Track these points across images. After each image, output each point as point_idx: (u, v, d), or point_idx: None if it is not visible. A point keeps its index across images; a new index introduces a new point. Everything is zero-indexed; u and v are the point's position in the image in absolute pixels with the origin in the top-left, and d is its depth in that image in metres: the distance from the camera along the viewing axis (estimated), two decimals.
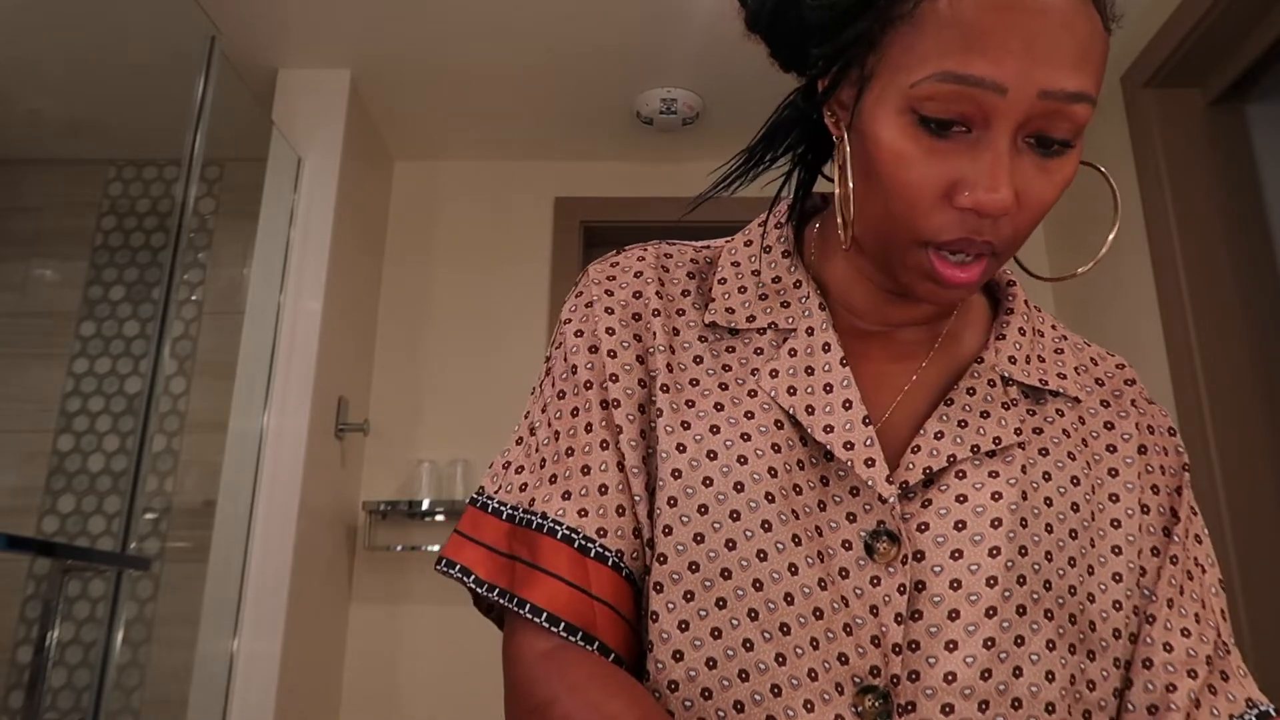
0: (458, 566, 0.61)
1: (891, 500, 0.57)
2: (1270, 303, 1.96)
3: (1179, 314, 1.99)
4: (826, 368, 0.62)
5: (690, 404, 0.62)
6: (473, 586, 0.60)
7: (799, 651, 0.55)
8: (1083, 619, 0.58)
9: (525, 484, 0.63)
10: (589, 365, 0.64)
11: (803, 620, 0.55)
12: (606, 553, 0.58)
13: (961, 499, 0.58)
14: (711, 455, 0.59)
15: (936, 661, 0.54)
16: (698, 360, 0.64)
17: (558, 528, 0.59)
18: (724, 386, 0.63)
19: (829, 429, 0.59)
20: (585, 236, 2.79)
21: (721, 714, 0.55)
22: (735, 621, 0.56)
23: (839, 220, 0.61)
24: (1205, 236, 2.00)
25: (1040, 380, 0.65)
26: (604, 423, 0.62)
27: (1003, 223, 0.55)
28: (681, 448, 0.60)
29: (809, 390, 0.61)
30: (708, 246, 0.72)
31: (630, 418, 0.62)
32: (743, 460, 0.59)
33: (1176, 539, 0.63)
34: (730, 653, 0.56)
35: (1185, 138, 2.07)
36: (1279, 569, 1.82)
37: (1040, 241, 2.59)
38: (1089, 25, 0.52)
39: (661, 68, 2.37)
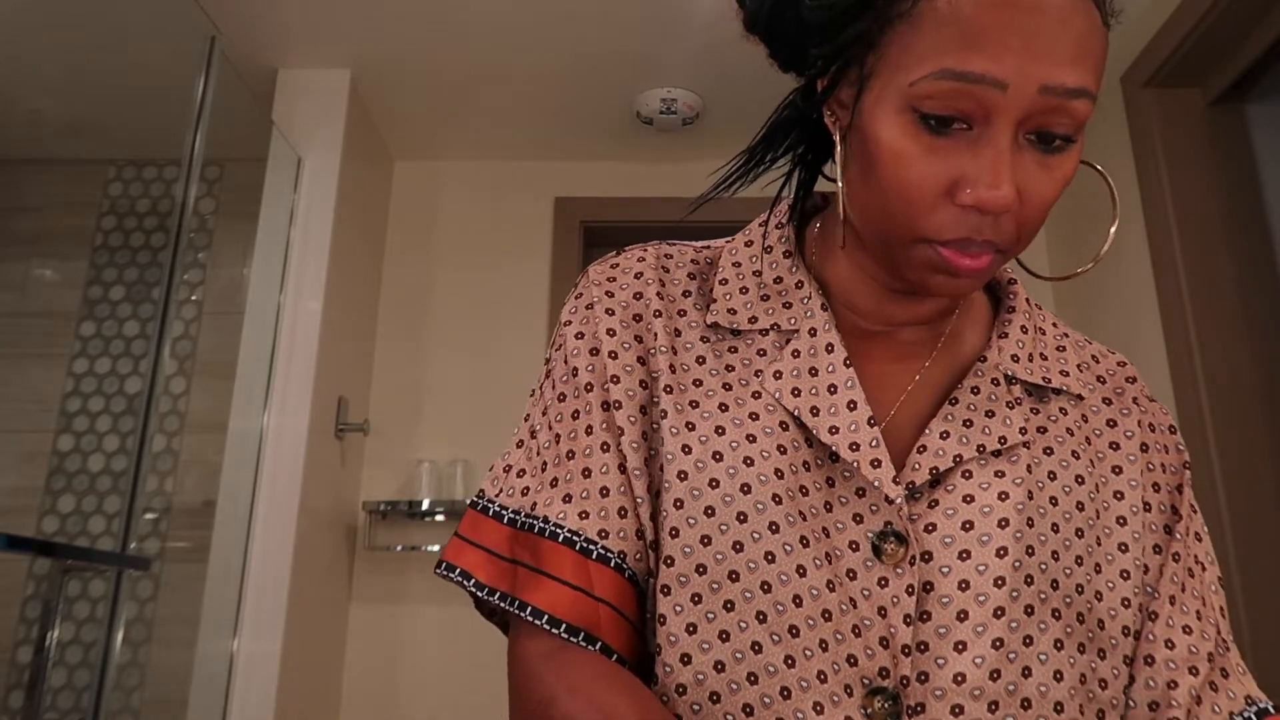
0: (458, 570, 0.61)
1: (898, 501, 0.57)
2: (1270, 303, 1.96)
3: (1179, 314, 1.99)
4: (830, 368, 0.62)
5: (694, 404, 0.62)
6: (473, 591, 0.60)
7: (808, 654, 0.55)
8: (1091, 617, 0.58)
9: (527, 488, 0.63)
10: (590, 367, 0.64)
11: (811, 622, 0.55)
12: (609, 554, 0.58)
13: (968, 499, 0.58)
14: (718, 457, 0.59)
15: (945, 662, 0.54)
16: (700, 361, 0.64)
17: (560, 531, 0.59)
18: (728, 387, 0.62)
19: (834, 430, 0.59)
20: (585, 236, 2.79)
21: (730, 717, 0.55)
22: (744, 624, 0.56)
23: (840, 219, 0.61)
24: (1205, 236, 2.00)
25: (1044, 378, 0.65)
26: (605, 425, 0.62)
27: (1004, 220, 0.54)
28: (687, 449, 0.60)
29: (813, 391, 0.61)
30: (708, 247, 0.72)
31: (632, 419, 0.62)
32: (749, 462, 0.59)
33: (1178, 537, 0.63)
34: (739, 656, 0.55)
35: (1185, 138, 2.07)
36: (1279, 569, 1.82)
37: (1041, 241, 2.59)
38: (1088, 21, 0.52)
39: (661, 68, 2.37)
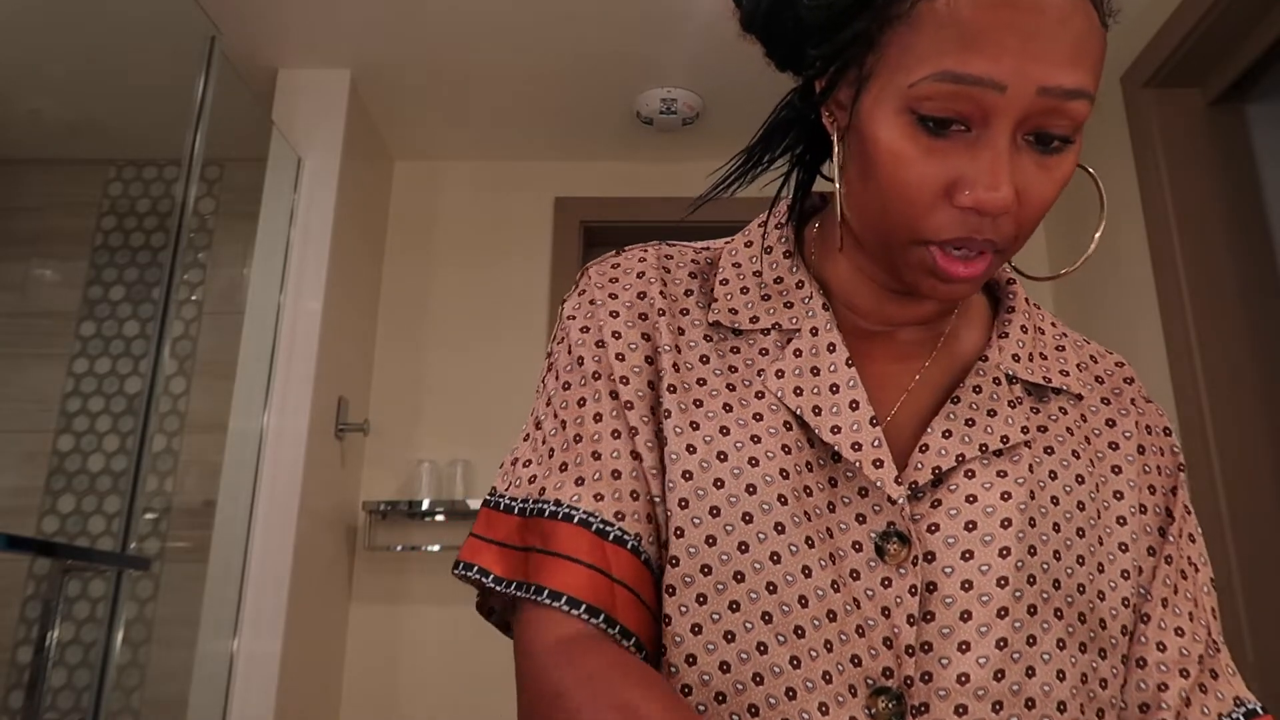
0: (475, 568, 0.60)
1: (901, 501, 0.57)
2: (1270, 303, 1.96)
3: (1179, 314, 1.99)
4: (832, 368, 0.62)
5: (698, 404, 0.62)
6: (491, 585, 0.59)
7: (813, 654, 0.55)
8: (1092, 617, 0.58)
9: (534, 475, 0.62)
10: (596, 358, 0.64)
11: (816, 623, 0.55)
12: (626, 536, 0.58)
13: (971, 499, 0.58)
14: (722, 457, 0.59)
15: (949, 663, 0.54)
16: (704, 360, 0.64)
17: (574, 512, 0.58)
18: (731, 387, 0.62)
19: (836, 430, 0.59)
20: (585, 236, 2.79)
21: (736, 718, 0.55)
22: (749, 625, 0.56)
23: (839, 218, 0.61)
24: (1205, 236, 2.00)
25: (1044, 378, 0.65)
26: (614, 413, 0.62)
27: (1003, 221, 0.55)
28: (691, 449, 0.60)
29: (815, 391, 0.61)
30: (707, 247, 0.72)
31: (645, 419, 0.61)
32: (754, 462, 0.58)
33: (1171, 539, 0.63)
34: (744, 656, 0.55)
35: (1185, 138, 2.07)
36: (1279, 569, 1.82)
37: (1040, 242, 2.59)
38: (1086, 22, 0.52)
39: (661, 68, 2.37)
